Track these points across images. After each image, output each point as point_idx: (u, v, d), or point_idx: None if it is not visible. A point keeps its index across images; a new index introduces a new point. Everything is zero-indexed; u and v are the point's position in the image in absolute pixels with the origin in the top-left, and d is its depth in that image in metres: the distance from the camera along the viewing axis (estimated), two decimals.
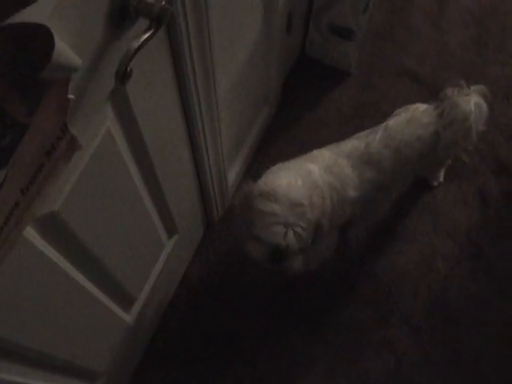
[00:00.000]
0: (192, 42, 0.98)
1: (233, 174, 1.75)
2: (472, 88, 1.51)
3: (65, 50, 0.53)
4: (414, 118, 1.50)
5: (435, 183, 1.90)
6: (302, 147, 1.93)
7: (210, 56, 1.10)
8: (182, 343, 1.67)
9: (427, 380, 1.64)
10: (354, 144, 1.46)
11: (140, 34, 0.68)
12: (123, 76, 0.69)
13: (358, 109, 2.03)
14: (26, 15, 0.47)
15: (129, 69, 0.69)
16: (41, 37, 0.49)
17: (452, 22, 2.26)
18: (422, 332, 1.70)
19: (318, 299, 1.74)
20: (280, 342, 1.68)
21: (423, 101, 1.59)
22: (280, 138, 1.97)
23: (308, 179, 1.31)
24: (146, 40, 0.68)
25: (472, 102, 1.47)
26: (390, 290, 1.75)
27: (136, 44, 0.68)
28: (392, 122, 1.51)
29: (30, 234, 0.75)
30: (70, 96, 0.59)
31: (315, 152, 1.45)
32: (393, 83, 2.10)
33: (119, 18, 0.69)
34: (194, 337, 1.69)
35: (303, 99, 2.05)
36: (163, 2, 0.68)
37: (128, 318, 1.39)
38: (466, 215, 1.87)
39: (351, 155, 1.42)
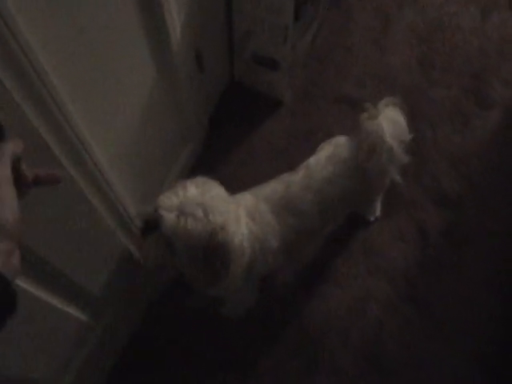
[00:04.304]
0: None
1: None
2: (378, 104, 1.36)
3: None
4: (334, 153, 1.38)
5: (371, 218, 1.79)
6: (229, 186, 1.84)
7: (73, 132, 1.00)
8: None
9: None
10: (274, 187, 1.34)
11: None
12: None
13: (290, 140, 1.92)
14: None
15: None
16: None
17: (396, 41, 2.13)
18: (353, 383, 1.59)
19: (240, 347, 1.63)
20: None
21: None
22: (207, 177, 1.85)
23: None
24: None
25: (382, 120, 1.30)
26: (319, 337, 1.64)
27: None
28: (313, 159, 1.39)
29: None
30: None
31: (238, 196, 1.33)
32: (329, 110, 1.98)
33: None
34: None
35: (232, 132, 1.94)
36: None
37: None
38: (404, 254, 1.75)
39: (271, 200, 1.31)
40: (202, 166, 1.86)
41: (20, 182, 0.62)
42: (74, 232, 1.12)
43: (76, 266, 1.16)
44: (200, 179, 1.14)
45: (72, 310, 1.20)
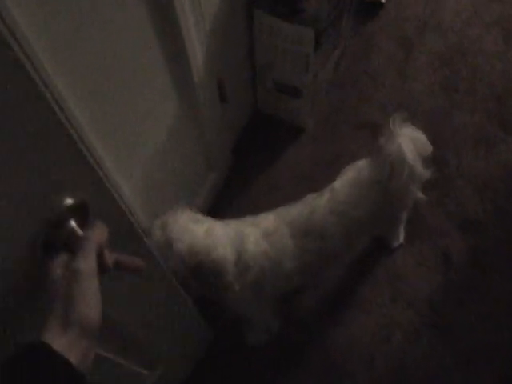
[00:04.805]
0: None
1: None
2: (390, 124, 1.32)
3: None
4: (358, 177, 1.40)
5: (395, 244, 1.79)
6: (254, 213, 1.88)
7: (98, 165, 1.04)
8: None
9: None
10: (299, 210, 1.38)
11: None
12: None
13: (313, 168, 1.95)
14: None
15: None
16: None
17: (418, 67, 2.15)
18: None
19: (262, 370, 1.65)
20: None
21: None
22: (231, 204, 1.90)
23: (235, 241, 1.29)
24: None
25: (401, 140, 1.29)
26: (343, 362, 1.65)
27: None
28: (338, 183, 1.42)
29: None
30: None
31: (262, 215, 1.39)
32: (352, 137, 2.01)
33: None
34: None
35: (256, 160, 1.98)
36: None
37: None
38: (428, 279, 1.75)
39: (293, 223, 1.35)
40: (226, 194, 1.90)
41: (101, 268, 0.61)
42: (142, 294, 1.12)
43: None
44: (167, 215, 1.24)
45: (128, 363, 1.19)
